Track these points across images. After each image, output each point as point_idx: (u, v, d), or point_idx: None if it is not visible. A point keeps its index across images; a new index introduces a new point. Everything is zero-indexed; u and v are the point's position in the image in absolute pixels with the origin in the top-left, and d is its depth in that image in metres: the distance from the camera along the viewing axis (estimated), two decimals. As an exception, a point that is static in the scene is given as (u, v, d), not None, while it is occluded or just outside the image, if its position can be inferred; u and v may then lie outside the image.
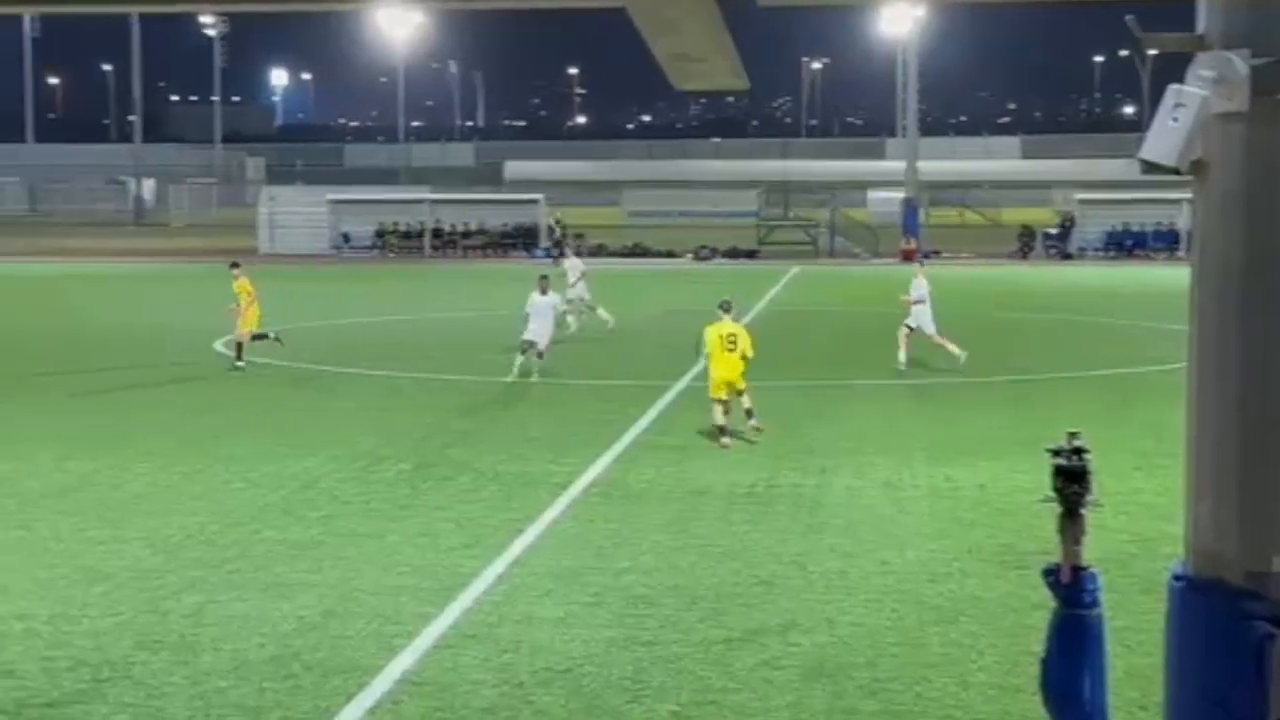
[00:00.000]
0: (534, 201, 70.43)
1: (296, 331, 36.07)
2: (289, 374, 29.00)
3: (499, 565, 14.76)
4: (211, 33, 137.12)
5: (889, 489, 18.41)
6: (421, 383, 27.62)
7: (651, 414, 23.90)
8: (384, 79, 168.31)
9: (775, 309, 42.74)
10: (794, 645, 12.31)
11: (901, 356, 28.54)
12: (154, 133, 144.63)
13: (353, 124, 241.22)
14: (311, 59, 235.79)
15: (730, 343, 21.55)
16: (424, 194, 72.94)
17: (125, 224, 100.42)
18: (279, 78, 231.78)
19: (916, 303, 28.96)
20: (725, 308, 22.08)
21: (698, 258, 65.71)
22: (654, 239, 68.92)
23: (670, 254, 66.65)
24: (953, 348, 28.80)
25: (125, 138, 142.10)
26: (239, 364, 29.36)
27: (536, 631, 12.61)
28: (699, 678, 11.54)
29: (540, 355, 27.50)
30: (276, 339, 30.22)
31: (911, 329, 28.92)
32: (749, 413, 21.62)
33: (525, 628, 12.72)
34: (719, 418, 21.37)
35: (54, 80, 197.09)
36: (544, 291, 28.09)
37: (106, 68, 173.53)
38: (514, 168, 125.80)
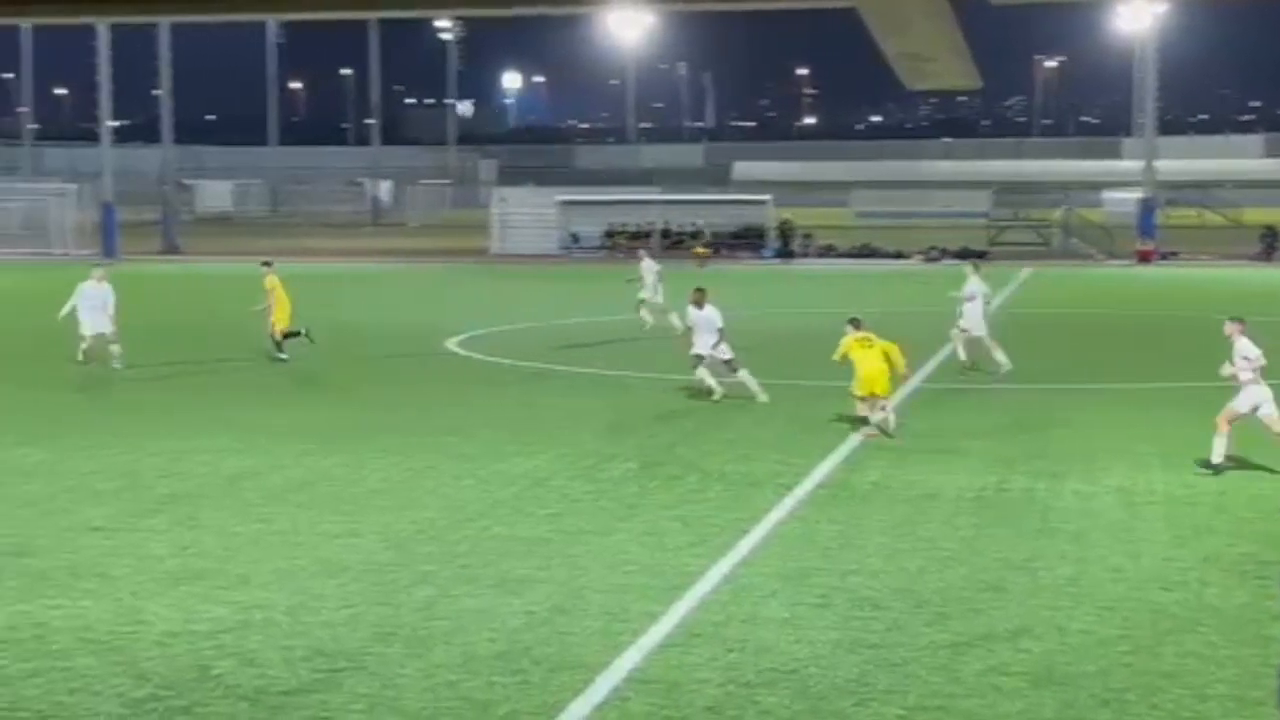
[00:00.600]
0: (762, 202, 70.37)
1: (527, 331, 36.57)
2: (519, 373, 29.41)
3: (725, 565, 14.79)
4: (447, 37, 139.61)
5: (1122, 494, 18.03)
6: (649, 382, 27.77)
7: (878, 415, 23.72)
8: (614, 81, 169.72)
9: (1007, 311, 42.11)
10: (1023, 651, 12.12)
11: (961, 355, 28.53)
12: (391, 135, 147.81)
13: (583, 125, 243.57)
14: (544, 62, 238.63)
15: (866, 343, 22.39)
16: (652, 194, 73.30)
17: (363, 224, 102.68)
18: (512, 80, 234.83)
19: (968, 300, 28.69)
20: (855, 324, 22.88)
21: (927, 259, 65.01)
22: (883, 240, 68.35)
23: (899, 255, 66.04)
24: (1000, 355, 28.27)
25: (364, 140, 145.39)
26: (281, 356, 30.31)
27: (762, 631, 12.61)
28: (926, 682, 11.43)
29: (733, 368, 25.36)
30: (307, 336, 30.88)
31: (964, 330, 28.78)
32: (884, 420, 22.02)
33: (751, 628, 12.73)
34: (860, 410, 22.25)
35: (296, 85, 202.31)
36: (699, 305, 25.73)
37: (346, 72, 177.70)
38: (742, 168, 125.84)
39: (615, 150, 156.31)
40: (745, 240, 67.91)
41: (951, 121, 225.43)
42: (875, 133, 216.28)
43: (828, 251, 67.48)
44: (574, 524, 16.61)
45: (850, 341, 22.60)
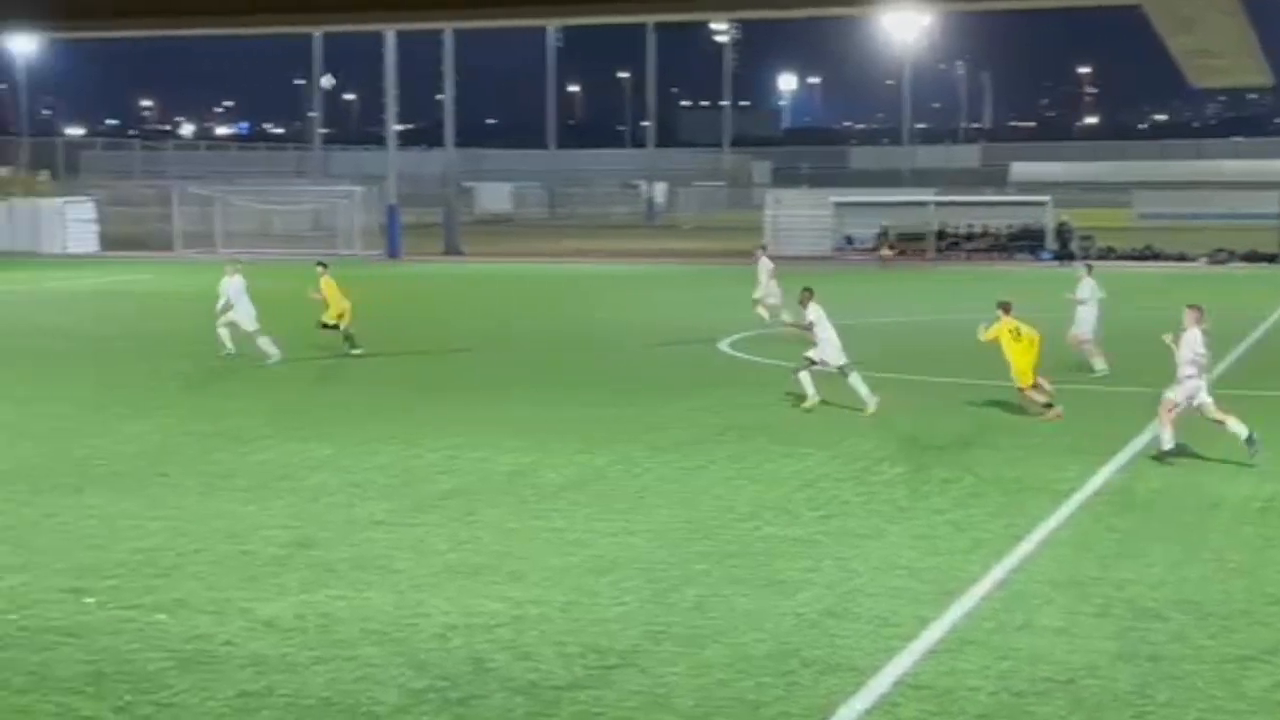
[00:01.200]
0: (1041, 203, 69.08)
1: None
2: (788, 373, 29.34)
3: (998, 571, 14.56)
4: (723, 39, 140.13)
5: None
6: (918, 385, 27.49)
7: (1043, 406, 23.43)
8: (890, 81, 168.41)
9: (1297, 315, 40.61)
10: (1312, 669, 11.69)
11: (1098, 364, 28.36)
12: (666, 138, 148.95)
13: (858, 126, 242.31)
14: (819, 63, 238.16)
15: (1016, 334, 23.55)
16: (927, 196, 72.52)
17: (637, 226, 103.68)
18: (787, 82, 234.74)
19: (1080, 303, 28.75)
20: (1005, 308, 24.00)
21: (1213, 261, 63.13)
22: (1165, 241, 66.55)
23: (1182, 257, 64.27)
24: (1099, 362, 28.34)
25: (639, 143, 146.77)
26: (355, 351, 31.35)
27: (1037, 640, 12.39)
28: (1208, 696, 11.10)
29: (844, 372, 24.53)
30: (348, 340, 31.66)
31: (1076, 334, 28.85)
32: (1048, 405, 23.27)
33: (1025, 635, 12.51)
34: (1039, 396, 23.42)
35: (573, 88, 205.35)
36: (804, 305, 25.29)
37: (622, 75, 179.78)
38: (1019, 169, 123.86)
39: (890, 151, 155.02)
40: (1023, 242, 66.73)
41: (1241, 120, 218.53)
42: (1159, 132, 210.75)
43: (1108, 253, 65.92)
44: (844, 526, 16.54)
45: (1003, 329, 23.65)
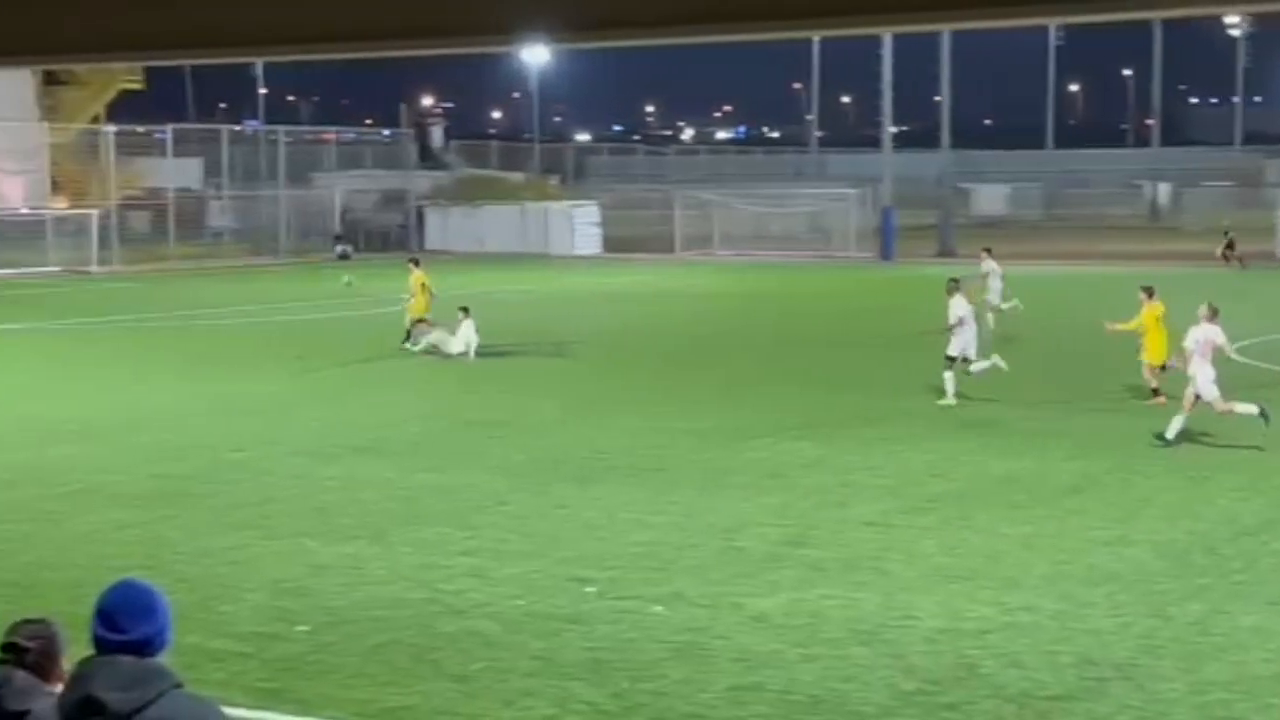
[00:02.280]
0: None
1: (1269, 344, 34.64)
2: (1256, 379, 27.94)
3: None
4: (1235, 33, 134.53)
5: None
6: None
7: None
8: None
9: None
10: None
11: None
12: (1172, 136, 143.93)
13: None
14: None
15: (1157, 319, 24.77)
16: None
17: (1139, 228, 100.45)
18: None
19: None
20: (1149, 292, 25.24)
21: None
22: None
23: None
24: None
25: (1142, 142, 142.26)
26: (405, 345, 32.67)
27: None
28: None
29: (967, 370, 25.70)
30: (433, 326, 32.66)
31: None
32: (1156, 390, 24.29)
33: None
34: (1153, 381, 24.68)
35: (1074, 87, 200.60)
36: (951, 294, 26.34)
37: (1126, 73, 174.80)
38: None
39: None
40: None
41: None
42: None
43: None
44: (1362, 545, 15.64)
45: (1149, 315, 24.82)
